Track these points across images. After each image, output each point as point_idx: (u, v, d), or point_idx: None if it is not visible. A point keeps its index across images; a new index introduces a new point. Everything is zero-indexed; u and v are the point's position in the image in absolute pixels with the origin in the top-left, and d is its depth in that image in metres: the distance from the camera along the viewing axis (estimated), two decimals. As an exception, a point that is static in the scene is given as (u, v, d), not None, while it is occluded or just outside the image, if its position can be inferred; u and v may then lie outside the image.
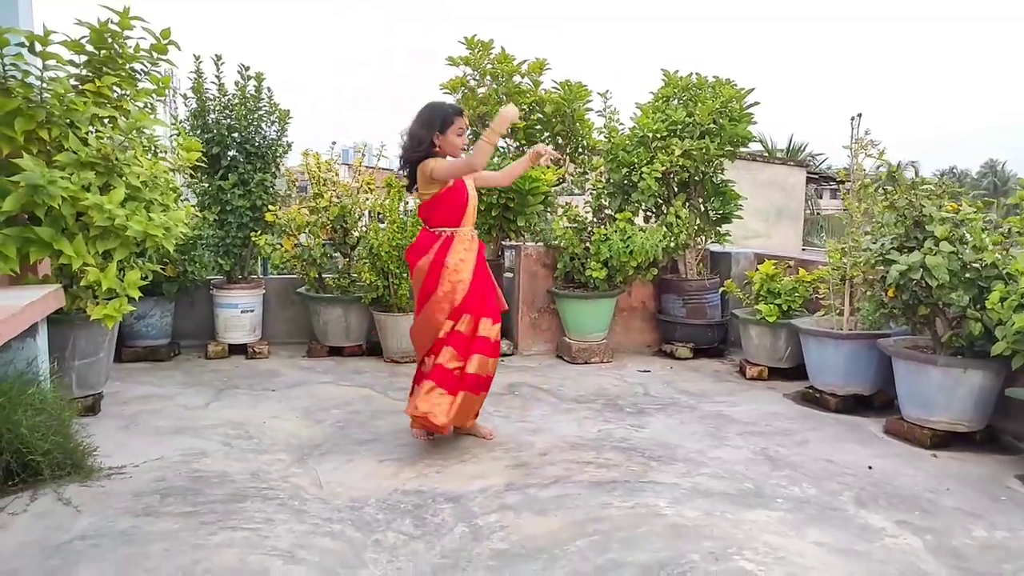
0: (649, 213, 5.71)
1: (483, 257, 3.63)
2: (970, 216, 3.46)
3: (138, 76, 4.06)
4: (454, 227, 3.49)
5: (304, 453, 3.49)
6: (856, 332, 4.26)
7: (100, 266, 3.70)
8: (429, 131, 3.40)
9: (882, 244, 3.72)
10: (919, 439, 3.74)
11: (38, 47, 3.47)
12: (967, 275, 3.49)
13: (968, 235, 3.51)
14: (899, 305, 3.74)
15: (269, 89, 5.56)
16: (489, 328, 3.50)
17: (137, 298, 3.93)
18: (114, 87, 3.88)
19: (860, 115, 4.25)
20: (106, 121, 3.79)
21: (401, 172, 3.71)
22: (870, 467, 3.42)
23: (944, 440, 3.71)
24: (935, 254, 3.43)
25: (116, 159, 3.61)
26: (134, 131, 3.77)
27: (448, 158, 3.45)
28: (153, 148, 4.08)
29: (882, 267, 3.72)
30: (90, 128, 3.66)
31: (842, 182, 4.64)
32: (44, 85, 3.52)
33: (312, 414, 4.09)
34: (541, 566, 2.45)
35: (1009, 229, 3.42)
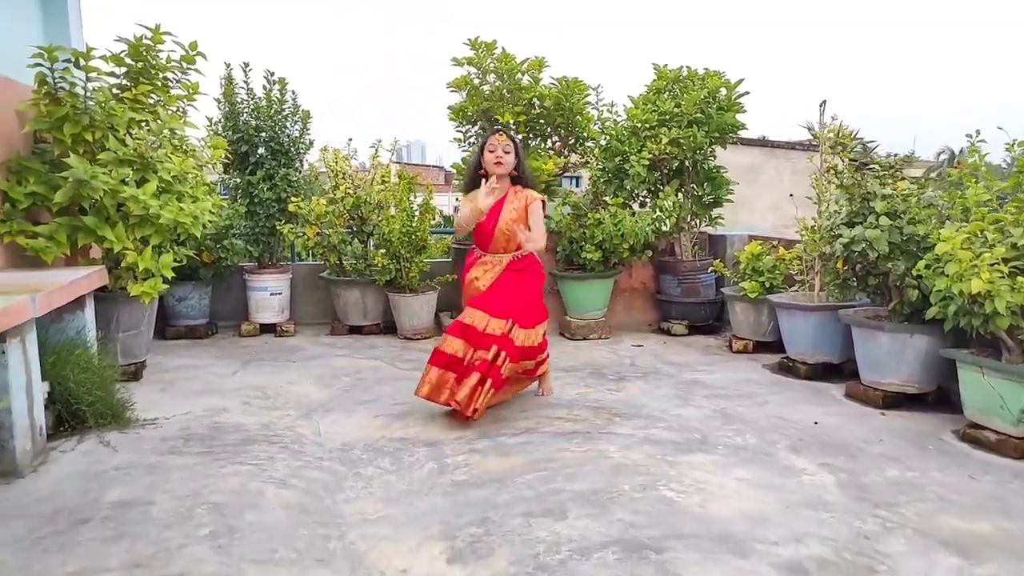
0: (645, 199, 6.06)
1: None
2: (908, 193, 3.74)
3: (170, 84, 4.63)
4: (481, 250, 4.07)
5: (311, 410, 3.98)
6: (823, 304, 4.56)
7: (138, 250, 4.27)
8: (478, 155, 4.01)
9: (834, 220, 4.02)
10: (872, 400, 4.04)
11: (82, 62, 4.05)
12: (910, 247, 3.78)
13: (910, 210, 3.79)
14: (851, 276, 4.04)
15: (293, 92, 6.11)
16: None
17: (173, 280, 4.51)
18: (149, 94, 4.46)
19: (825, 102, 4.54)
20: (142, 124, 4.35)
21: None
22: (816, 422, 3.75)
23: (896, 401, 4.00)
24: (876, 227, 3.73)
25: (150, 157, 4.17)
26: (166, 132, 4.33)
27: (465, 207, 3.96)
28: (183, 147, 4.63)
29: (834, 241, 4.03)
30: (128, 130, 4.22)
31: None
32: (87, 94, 4.10)
33: (324, 380, 4.60)
34: (491, 492, 2.88)
35: (940, 204, 3.69)
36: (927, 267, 3.45)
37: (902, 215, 3.77)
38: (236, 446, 3.38)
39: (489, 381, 3.67)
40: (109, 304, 4.38)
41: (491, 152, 3.91)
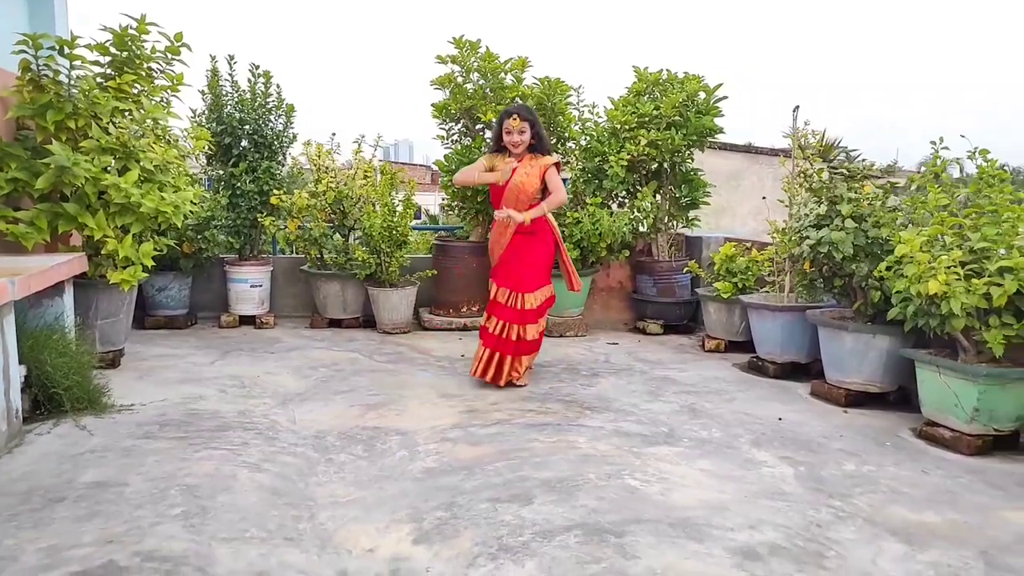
0: (623, 199, 6.16)
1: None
2: (870, 196, 3.86)
3: (155, 74, 4.66)
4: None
5: (287, 399, 4.04)
6: (792, 304, 4.68)
7: (118, 238, 4.30)
8: (498, 129, 4.43)
9: (802, 223, 4.14)
10: (836, 398, 4.16)
11: (66, 50, 4.08)
12: (874, 249, 3.89)
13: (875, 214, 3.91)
14: (818, 277, 4.15)
15: (278, 86, 6.15)
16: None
17: (153, 269, 4.55)
18: (134, 84, 4.49)
19: (798, 107, 4.66)
20: (126, 113, 4.38)
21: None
22: (780, 419, 3.86)
23: (858, 399, 4.12)
24: (841, 230, 3.85)
25: (132, 146, 4.21)
26: (148, 121, 4.37)
27: (479, 163, 4.46)
28: (166, 137, 4.66)
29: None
30: (112, 119, 4.25)
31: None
32: (71, 82, 4.13)
33: (301, 371, 4.65)
34: (460, 478, 2.96)
35: (904, 208, 3.81)
36: (888, 269, 3.56)
37: (867, 218, 3.88)
38: (211, 432, 3.44)
39: (498, 354, 4.29)
40: (88, 291, 4.41)
41: (508, 134, 4.32)
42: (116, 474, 2.89)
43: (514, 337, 4.29)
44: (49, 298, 3.96)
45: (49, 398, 3.56)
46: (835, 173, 4.02)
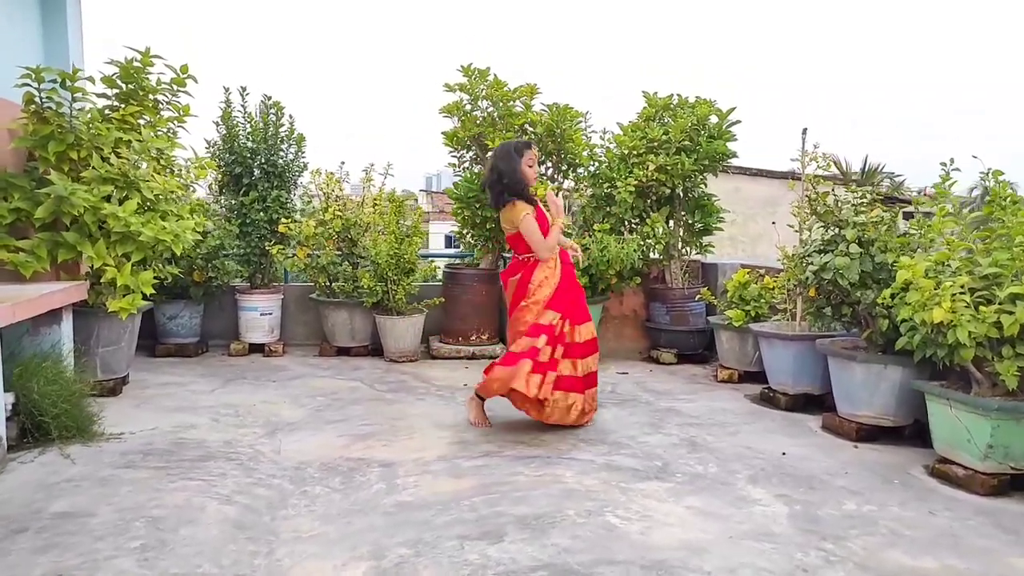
0: (633, 225, 6.04)
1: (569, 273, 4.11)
2: (876, 221, 3.69)
3: (161, 105, 4.74)
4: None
5: (277, 428, 3.99)
6: (804, 333, 4.49)
7: (119, 266, 4.34)
8: (519, 166, 3.96)
9: (807, 248, 3.97)
10: (847, 432, 3.95)
11: (67, 82, 4.16)
12: (882, 275, 3.71)
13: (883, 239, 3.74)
14: (824, 304, 3.97)
15: (290, 116, 6.22)
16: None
17: (164, 297, 4.58)
18: (140, 115, 4.56)
19: (806, 130, 4.51)
20: (128, 144, 4.44)
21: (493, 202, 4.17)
22: (784, 453, 3.67)
23: (871, 433, 3.91)
24: (845, 255, 3.68)
25: (133, 175, 4.26)
26: (150, 151, 4.42)
27: (532, 228, 3.90)
28: (169, 166, 4.71)
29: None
30: (114, 150, 4.31)
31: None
32: (73, 114, 4.21)
33: (299, 400, 4.61)
34: (432, 513, 2.85)
35: (910, 233, 3.63)
36: (893, 296, 3.38)
37: (874, 243, 3.71)
38: (193, 462, 3.39)
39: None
40: (90, 319, 4.45)
41: (530, 167, 4.02)
42: (86, 504, 2.86)
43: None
44: (47, 326, 3.99)
45: (37, 426, 3.56)
46: (842, 199, 3.86)
